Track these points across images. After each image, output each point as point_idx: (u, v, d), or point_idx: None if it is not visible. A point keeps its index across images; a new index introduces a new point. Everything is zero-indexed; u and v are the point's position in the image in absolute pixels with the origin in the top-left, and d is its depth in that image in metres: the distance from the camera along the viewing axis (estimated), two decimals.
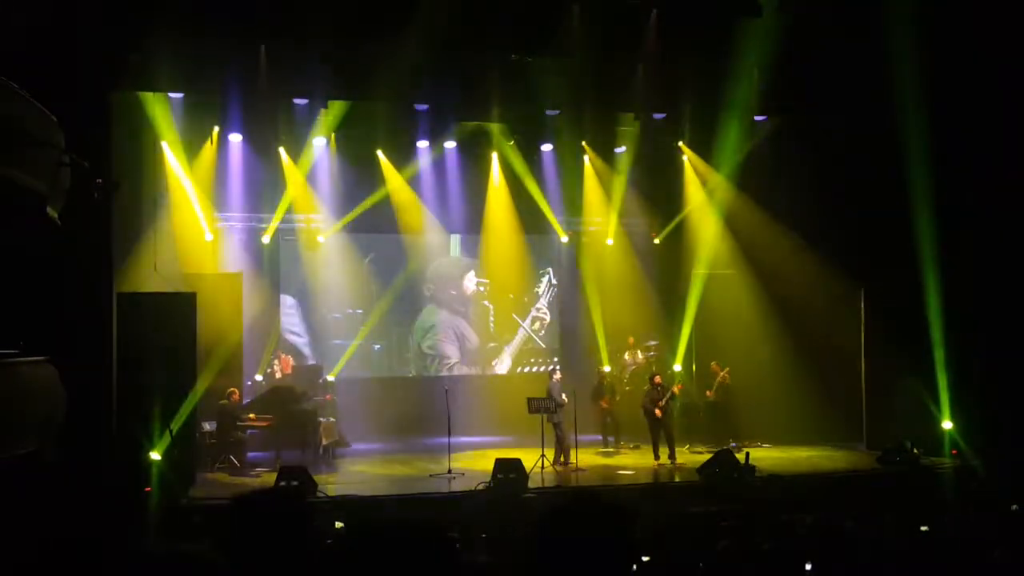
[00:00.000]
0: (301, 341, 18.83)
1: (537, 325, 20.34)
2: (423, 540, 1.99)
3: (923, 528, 8.28)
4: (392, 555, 1.96)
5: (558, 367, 17.16)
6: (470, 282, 19.90)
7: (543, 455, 14.37)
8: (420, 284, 19.58)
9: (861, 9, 14.67)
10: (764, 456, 15.39)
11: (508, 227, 19.53)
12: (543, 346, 20.31)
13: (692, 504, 11.57)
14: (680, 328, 18.81)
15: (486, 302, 20.05)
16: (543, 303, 20.36)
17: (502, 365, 20.09)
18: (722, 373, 17.31)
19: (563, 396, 15.47)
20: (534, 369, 20.15)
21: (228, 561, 2.38)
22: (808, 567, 6.53)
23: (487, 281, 19.94)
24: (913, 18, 14.29)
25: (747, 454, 14.01)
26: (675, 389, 15.77)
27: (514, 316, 20.18)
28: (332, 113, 16.42)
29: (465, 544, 8.11)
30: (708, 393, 17.50)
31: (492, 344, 20.06)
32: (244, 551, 2.44)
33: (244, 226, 18.15)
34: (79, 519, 9.00)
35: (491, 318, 20.08)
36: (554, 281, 20.42)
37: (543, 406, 15.01)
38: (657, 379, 15.99)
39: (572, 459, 15.13)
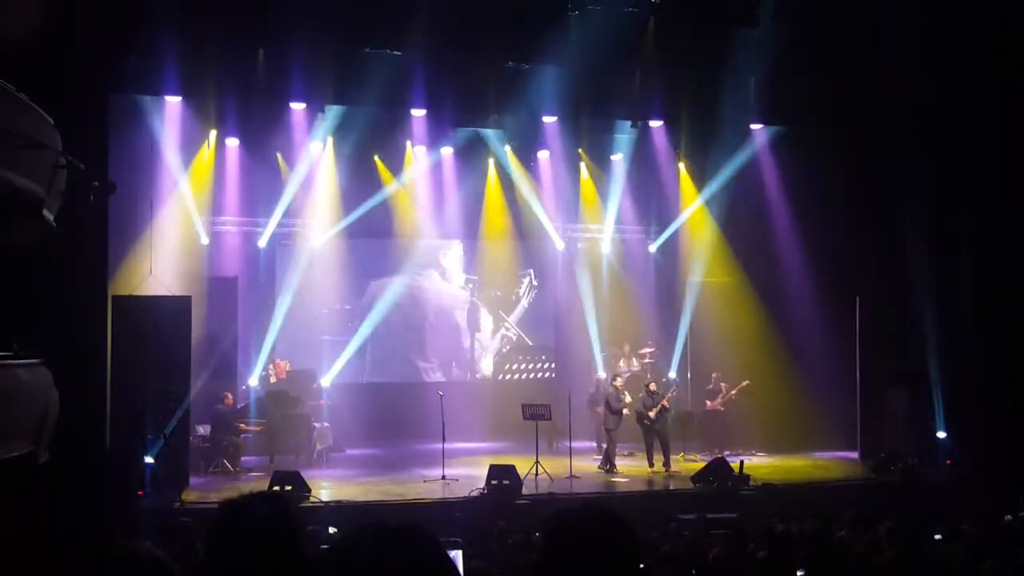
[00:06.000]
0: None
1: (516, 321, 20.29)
2: (418, 546, 1.99)
3: (936, 537, 8.30)
4: (386, 561, 1.95)
5: (617, 376, 16.91)
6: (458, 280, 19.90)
7: (537, 462, 14.34)
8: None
9: (856, 20, 14.71)
10: (758, 465, 15.42)
11: (504, 233, 19.55)
12: (531, 343, 20.25)
13: (686, 512, 11.55)
14: (675, 336, 18.83)
15: (474, 299, 20.02)
16: (525, 303, 20.30)
17: (485, 361, 20.07)
18: (735, 389, 17.21)
19: (620, 404, 15.61)
20: (523, 367, 20.13)
21: (215, 567, 2.38)
22: (800, 575, 6.54)
23: (475, 277, 19.91)
24: (909, 29, 14.34)
25: (741, 463, 14.02)
26: (665, 403, 15.74)
27: (500, 313, 20.15)
28: (329, 118, 16.45)
29: (460, 550, 8.10)
30: (709, 404, 17.47)
31: (472, 343, 20.03)
32: (233, 557, 2.43)
33: (240, 230, 18.13)
34: (71, 522, 8.98)
35: (479, 315, 20.07)
36: (535, 283, 20.35)
37: (537, 412, 14.99)
38: (652, 387, 15.99)
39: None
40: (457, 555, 7.39)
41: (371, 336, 19.00)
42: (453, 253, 19.79)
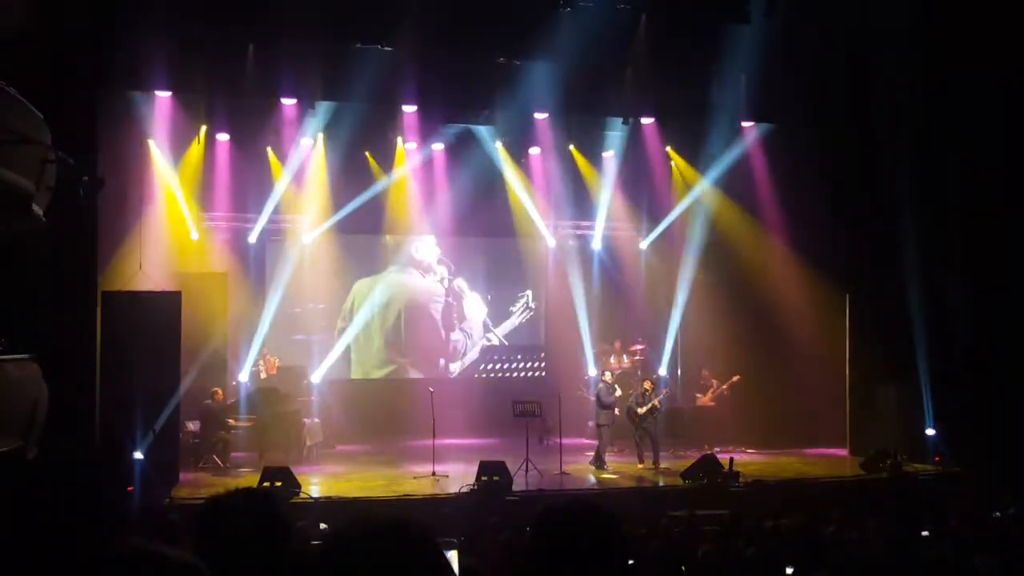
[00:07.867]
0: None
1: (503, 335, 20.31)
2: (411, 542, 1.98)
3: (924, 533, 8.34)
4: (377, 557, 1.94)
5: (607, 371, 16.88)
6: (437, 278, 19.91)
7: (527, 458, 14.34)
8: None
9: (848, 17, 14.73)
10: (748, 461, 15.45)
11: (495, 230, 19.52)
12: (506, 343, 20.25)
13: (675, 509, 11.57)
14: (666, 332, 18.84)
15: (451, 299, 19.99)
16: (516, 320, 20.27)
17: (470, 355, 20.06)
18: (725, 384, 17.23)
19: (611, 398, 15.61)
20: (513, 364, 20.14)
21: (205, 564, 2.37)
22: (789, 571, 6.56)
23: (450, 274, 19.89)
24: (899, 26, 14.36)
25: (731, 459, 14.04)
26: (656, 403, 15.73)
27: (486, 317, 20.15)
28: (320, 114, 16.40)
29: (455, 549, 8.10)
30: (701, 399, 17.50)
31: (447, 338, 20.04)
32: (219, 553, 2.41)
33: (230, 226, 18.09)
34: (60, 518, 8.95)
35: (456, 314, 20.06)
36: (531, 304, 20.34)
37: (528, 410, 14.99)
38: (647, 384, 15.97)
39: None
40: (452, 555, 7.41)
41: (360, 332, 18.98)
42: (426, 247, 19.72)
